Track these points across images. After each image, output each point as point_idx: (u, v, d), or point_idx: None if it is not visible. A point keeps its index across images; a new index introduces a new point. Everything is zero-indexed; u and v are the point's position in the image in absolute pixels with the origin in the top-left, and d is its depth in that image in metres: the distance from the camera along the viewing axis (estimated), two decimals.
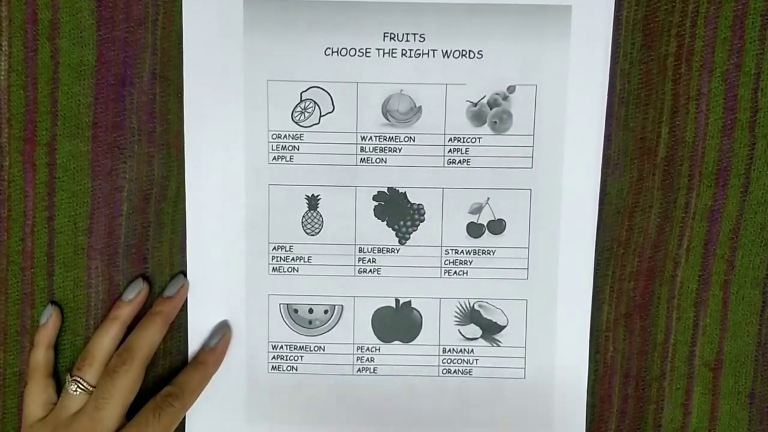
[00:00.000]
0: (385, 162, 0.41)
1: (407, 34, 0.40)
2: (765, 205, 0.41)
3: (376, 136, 0.41)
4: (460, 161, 0.41)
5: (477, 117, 0.41)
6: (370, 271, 0.42)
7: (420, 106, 0.41)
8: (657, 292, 0.42)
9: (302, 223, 0.41)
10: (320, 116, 0.41)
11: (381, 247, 0.42)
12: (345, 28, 0.40)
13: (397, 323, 0.42)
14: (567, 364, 0.42)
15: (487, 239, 0.41)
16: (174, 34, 0.40)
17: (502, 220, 0.41)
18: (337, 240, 0.42)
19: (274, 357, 0.42)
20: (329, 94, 0.40)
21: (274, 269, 0.42)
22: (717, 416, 0.43)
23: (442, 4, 0.40)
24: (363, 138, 0.41)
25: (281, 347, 0.42)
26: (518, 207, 0.41)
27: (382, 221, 0.41)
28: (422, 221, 0.41)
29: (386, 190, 0.41)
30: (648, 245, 0.42)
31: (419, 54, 0.40)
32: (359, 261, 0.42)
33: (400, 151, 0.41)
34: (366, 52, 0.40)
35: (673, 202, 0.41)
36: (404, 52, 0.40)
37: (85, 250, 0.41)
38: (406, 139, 0.41)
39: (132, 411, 0.39)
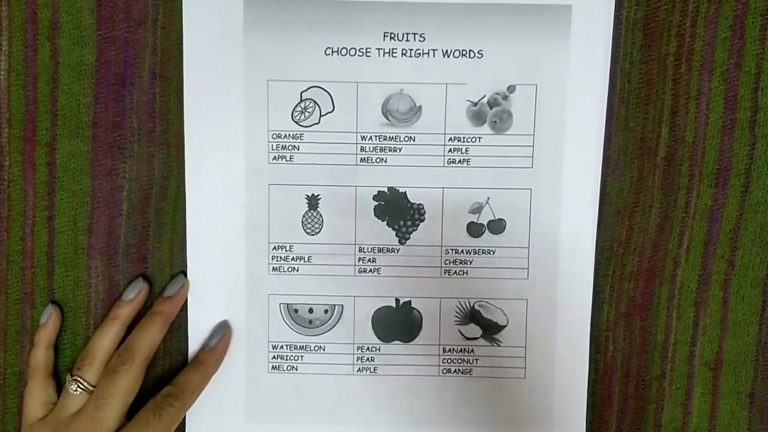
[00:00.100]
0: (385, 162, 0.41)
1: (407, 33, 0.40)
2: (765, 204, 0.41)
3: (376, 136, 0.41)
4: (460, 161, 0.41)
5: (477, 117, 0.41)
6: (370, 270, 0.42)
7: (420, 106, 0.41)
8: (657, 291, 0.42)
9: (302, 222, 0.41)
10: (320, 116, 0.41)
11: (381, 246, 0.42)
12: (345, 27, 0.40)
13: (397, 323, 0.42)
14: (567, 364, 0.42)
15: (487, 239, 0.41)
16: (174, 33, 0.40)
17: (502, 219, 0.41)
18: (337, 240, 0.42)
19: (274, 357, 0.42)
20: (329, 94, 0.40)
21: (274, 269, 0.42)
22: (717, 416, 0.43)
23: (442, 4, 0.40)
24: (363, 138, 0.41)
25: (281, 347, 0.42)
26: (518, 207, 0.41)
27: (382, 221, 0.41)
28: (422, 221, 0.41)
29: (386, 190, 0.41)
30: (648, 245, 0.42)
31: (419, 54, 0.40)
32: (359, 261, 0.42)
33: (400, 150, 0.41)
34: (366, 52, 0.40)
35: (673, 202, 0.41)
36: (404, 51, 0.40)
37: (85, 249, 0.41)
38: (406, 138, 0.41)
39: (132, 411, 0.39)
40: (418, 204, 0.41)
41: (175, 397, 0.39)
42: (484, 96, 0.40)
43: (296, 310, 0.42)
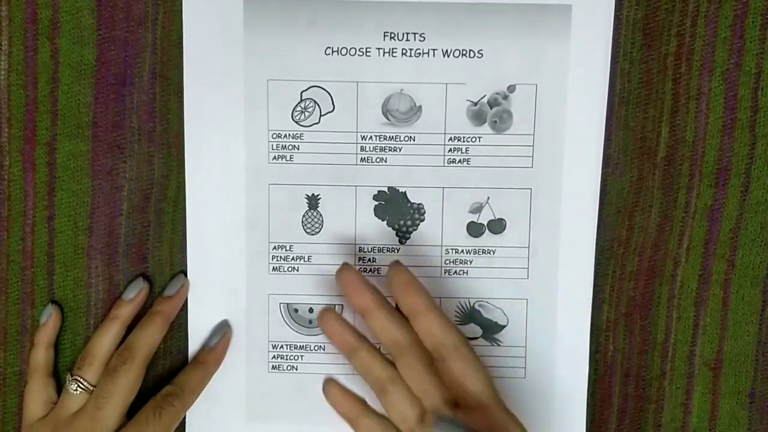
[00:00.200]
0: (385, 161, 0.41)
1: (407, 33, 0.40)
2: (765, 204, 0.41)
3: (376, 136, 0.41)
4: (460, 161, 0.41)
5: (477, 116, 0.41)
6: (371, 270, 0.42)
7: (420, 106, 0.41)
8: (657, 291, 0.42)
9: (302, 222, 0.41)
10: (320, 116, 0.41)
11: (381, 246, 0.42)
12: (345, 27, 0.40)
13: None
14: (567, 364, 0.42)
15: (487, 239, 0.41)
16: (174, 33, 0.40)
17: (502, 219, 0.41)
18: (338, 239, 0.42)
19: (274, 357, 0.42)
20: (329, 94, 0.40)
21: (274, 269, 0.42)
22: (717, 416, 0.43)
23: (443, 4, 0.40)
24: (363, 137, 0.41)
25: (281, 347, 0.42)
26: (518, 206, 0.41)
27: (383, 221, 0.41)
28: (422, 221, 0.41)
29: (386, 190, 0.41)
30: (648, 245, 0.42)
31: (419, 53, 0.40)
32: (359, 260, 0.42)
33: (400, 150, 0.41)
34: (366, 52, 0.40)
35: (674, 202, 0.41)
36: (404, 51, 0.40)
37: (85, 249, 0.41)
38: (407, 138, 0.41)
39: (132, 411, 0.39)
40: (418, 204, 0.41)
41: (175, 397, 0.39)
42: (484, 96, 0.40)
43: (296, 310, 0.42)
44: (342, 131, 0.41)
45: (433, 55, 0.40)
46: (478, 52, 0.40)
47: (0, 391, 0.42)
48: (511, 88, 0.40)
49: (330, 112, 0.41)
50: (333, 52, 0.40)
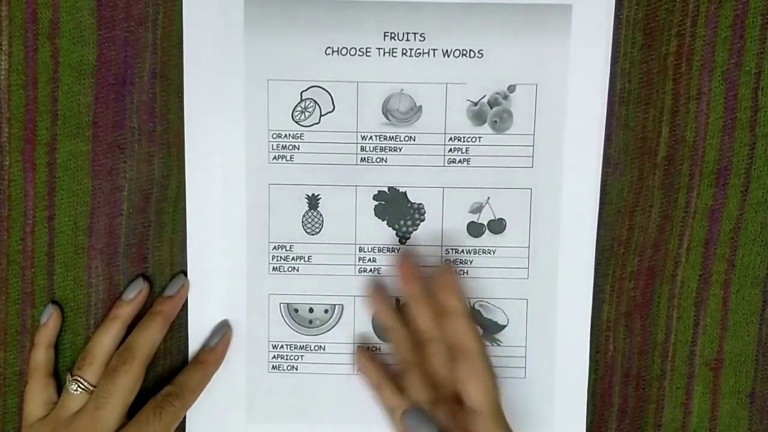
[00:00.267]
0: (386, 161, 0.41)
1: (407, 33, 0.40)
2: (765, 204, 0.41)
3: (376, 136, 0.41)
4: (460, 160, 0.41)
5: (477, 116, 0.41)
6: (371, 270, 0.42)
7: (420, 106, 0.41)
8: (657, 291, 0.42)
9: (302, 222, 0.41)
10: (320, 116, 0.41)
11: (381, 246, 0.42)
12: (345, 27, 0.40)
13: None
14: (567, 364, 0.42)
15: (487, 239, 0.41)
16: (174, 33, 0.40)
17: (502, 219, 0.41)
18: (338, 239, 0.42)
19: (274, 357, 0.42)
20: (329, 94, 0.40)
21: (274, 269, 0.42)
22: (717, 415, 0.43)
23: (443, 4, 0.40)
24: (363, 137, 0.41)
25: (281, 347, 0.42)
26: (518, 206, 0.41)
27: (383, 221, 0.41)
28: (422, 221, 0.41)
29: (386, 190, 0.41)
30: (648, 245, 0.42)
31: (419, 53, 0.40)
32: (359, 260, 0.42)
33: (400, 150, 0.41)
34: (366, 52, 0.40)
35: (674, 202, 0.41)
36: (404, 51, 0.40)
37: (85, 249, 0.41)
38: (407, 138, 0.41)
39: (132, 411, 0.39)
40: (419, 204, 0.41)
41: (175, 397, 0.39)
42: (485, 96, 0.40)
43: (296, 310, 0.42)
44: (342, 131, 0.41)
45: (434, 55, 0.40)
46: (478, 52, 0.40)
47: (0, 391, 0.42)
48: (512, 88, 0.40)
49: (330, 112, 0.41)
50: (333, 52, 0.40)
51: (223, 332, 0.42)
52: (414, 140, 0.41)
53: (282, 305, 0.42)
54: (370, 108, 0.41)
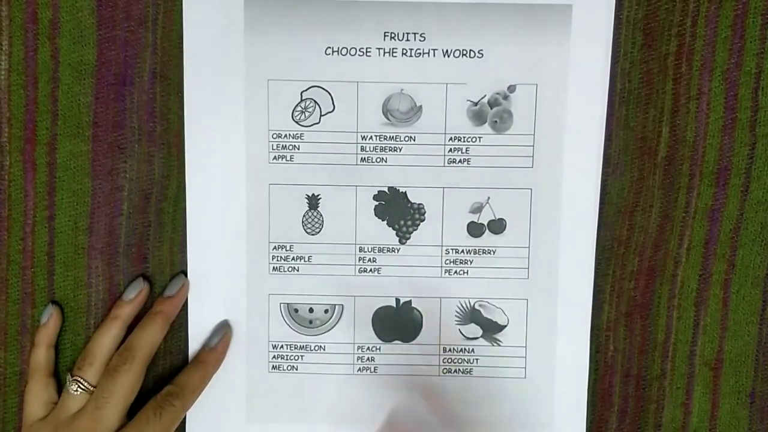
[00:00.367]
0: (386, 161, 0.41)
1: (407, 33, 0.40)
2: (765, 204, 0.41)
3: (376, 136, 0.41)
4: (460, 161, 0.41)
5: (477, 116, 0.41)
6: (371, 270, 0.42)
7: (420, 106, 0.41)
8: (657, 291, 0.42)
9: (302, 222, 0.41)
10: (320, 116, 0.41)
11: (381, 246, 0.42)
12: (345, 27, 0.40)
13: (398, 323, 0.42)
14: (567, 364, 0.42)
15: (487, 239, 0.41)
16: (174, 33, 0.40)
17: (502, 219, 0.41)
18: (338, 239, 0.42)
19: (274, 357, 0.42)
20: (330, 94, 0.40)
21: (274, 269, 0.42)
22: (717, 415, 0.43)
23: (443, 4, 0.40)
24: (363, 137, 0.41)
25: (281, 347, 0.42)
26: (519, 206, 0.41)
27: (383, 221, 0.41)
28: (422, 221, 0.41)
29: (387, 190, 0.41)
30: (648, 244, 0.42)
31: (420, 53, 0.40)
32: (359, 260, 0.42)
33: (400, 150, 0.41)
34: (366, 52, 0.40)
35: (674, 202, 0.41)
36: (405, 51, 0.40)
37: (85, 249, 0.41)
38: (407, 138, 0.41)
39: (133, 411, 0.39)
40: (419, 204, 0.41)
41: (175, 397, 0.39)
42: (485, 96, 0.40)
43: (296, 310, 0.42)
44: (342, 131, 0.41)
45: (434, 55, 0.40)
46: (478, 52, 0.40)
47: (0, 391, 0.42)
48: (512, 88, 0.40)
49: (330, 112, 0.41)
50: (333, 52, 0.40)
51: (223, 332, 0.42)
52: (414, 140, 0.41)
53: (282, 305, 0.42)
54: (370, 108, 0.41)
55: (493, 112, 0.41)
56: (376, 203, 0.41)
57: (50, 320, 0.41)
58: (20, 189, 0.41)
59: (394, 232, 0.42)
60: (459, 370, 0.42)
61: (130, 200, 0.41)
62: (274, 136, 0.41)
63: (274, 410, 0.42)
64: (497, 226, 0.41)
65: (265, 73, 0.40)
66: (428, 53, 0.40)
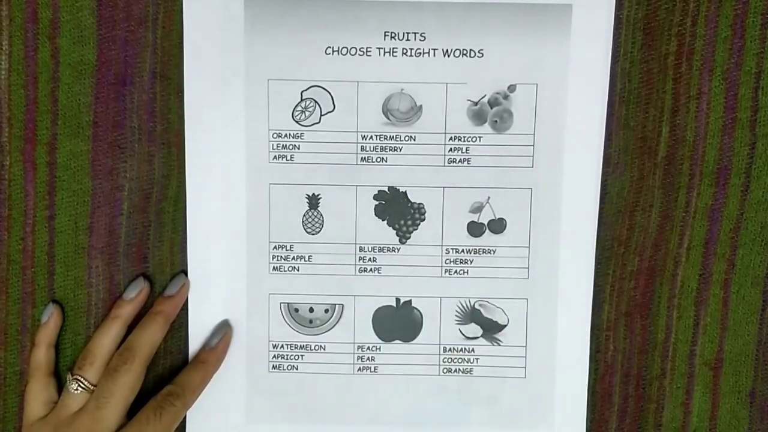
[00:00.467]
0: (386, 161, 0.41)
1: (408, 33, 0.40)
2: (765, 204, 0.41)
3: (376, 135, 0.41)
4: (460, 160, 0.41)
5: (477, 116, 0.41)
6: (371, 270, 0.42)
7: (420, 105, 0.41)
8: (657, 291, 0.42)
9: (303, 222, 0.41)
10: (321, 115, 0.41)
11: (381, 246, 0.42)
12: (345, 27, 0.40)
13: (398, 322, 0.42)
14: (567, 364, 0.42)
15: (487, 238, 0.41)
16: (174, 33, 0.40)
17: (502, 219, 0.41)
18: (338, 239, 0.42)
19: (274, 356, 0.42)
20: (330, 94, 0.40)
21: (274, 268, 0.42)
22: (717, 415, 0.43)
23: (443, 3, 0.40)
24: (363, 137, 0.41)
25: (282, 346, 0.42)
26: (519, 206, 0.41)
27: (383, 220, 0.41)
28: (423, 220, 0.41)
29: (387, 189, 0.41)
30: (648, 244, 0.42)
31: (420, 53, 0.40)
32: (360, 260, 0.42)
33: (400, 150, 0.41)
34: (367, 51, 0.40)
35: (674, 201, 0.41)
36: (405, 51, 0.40)
37: (85, 249, 0.41)
38: (407, 138, 0.41)
39: (133, 410, 0.39)
40: (419, 203, 0.41)
41: (176, 397, 0.39)
42: (485, 95, 0.40)
43: (297, 310, 0.42)
44: (342, 131, 0.41)
45: (434, 55, 0.40)
46: (478, 51, 0.40)
47: (0, 391, 0.42)
48: (512, 88, 0.40)
49: (330, 111, 0.41)
50: (333, 51, 0.40)
51: (223, 332, 0.42)
52: (414, 140, 0.41)
53: (282, 305, 0.42)
54: (371, 108, 0.41)
55: (493, 112, 0.41)
56: (377, 203, 0.41)
57: (50, 320, 0.41)
58: (20, 189, 0.41)
59: (395, 231, 0.42)
60: (459, 369, 0.42)
61: (131, 200, 0.41)
62: (275, 135, 0.41)
63: (274, 410, 0.42)
64: (497, 226, 0.41)
65: (265, 72, 0.40)
66: (428, 53, 0.40)
